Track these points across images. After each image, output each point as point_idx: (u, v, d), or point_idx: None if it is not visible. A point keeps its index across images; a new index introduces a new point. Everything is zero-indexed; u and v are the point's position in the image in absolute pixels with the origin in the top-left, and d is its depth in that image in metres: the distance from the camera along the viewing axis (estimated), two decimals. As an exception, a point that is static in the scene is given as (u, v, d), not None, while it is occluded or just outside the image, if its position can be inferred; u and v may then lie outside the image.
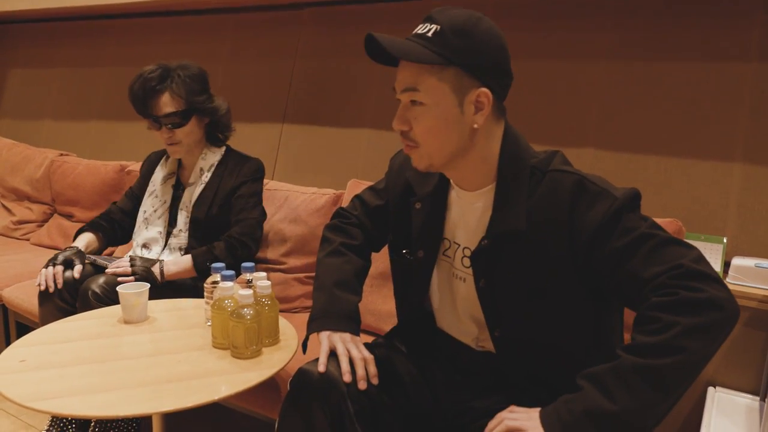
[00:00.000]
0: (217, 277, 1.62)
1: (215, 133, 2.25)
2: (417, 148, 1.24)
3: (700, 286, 1.04)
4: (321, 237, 1.60)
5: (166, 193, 2.24)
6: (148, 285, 1.71)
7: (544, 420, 1.09)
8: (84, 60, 3.79)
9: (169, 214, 2.22)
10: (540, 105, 2.28)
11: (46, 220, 3.28)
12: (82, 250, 2.13)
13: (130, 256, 2.07)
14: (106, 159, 3.29)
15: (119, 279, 1.92)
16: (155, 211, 2.22)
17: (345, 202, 2.33)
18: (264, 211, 2.28)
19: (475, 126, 1.20)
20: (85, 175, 3.06)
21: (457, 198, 1.35)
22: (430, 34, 1.18)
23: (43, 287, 1.98)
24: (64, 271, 2.00)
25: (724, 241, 1.90)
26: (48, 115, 3.90)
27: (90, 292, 1.89)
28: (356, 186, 2.33)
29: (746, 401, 1.74)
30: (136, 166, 2.88)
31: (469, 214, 1.33)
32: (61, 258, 2.03)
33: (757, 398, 1.75)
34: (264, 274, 1.64)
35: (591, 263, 1.17)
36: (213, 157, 2.23)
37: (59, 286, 1.98)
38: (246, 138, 2.35)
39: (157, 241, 2.19)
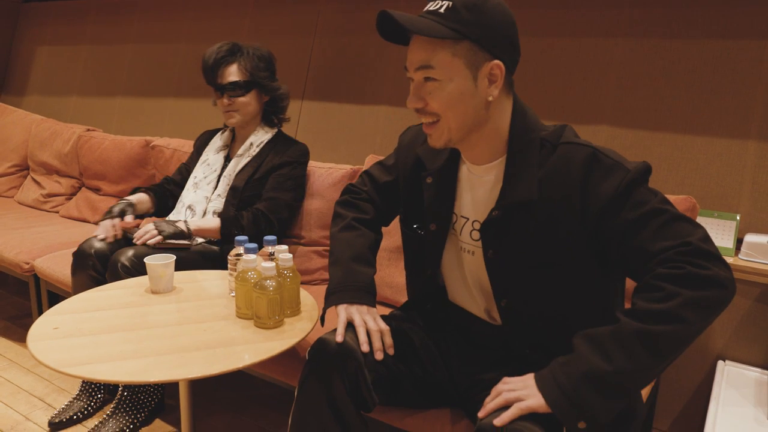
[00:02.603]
0: (240, 249, 1.67)
1: (272, 114, 2.41)
2: (436, 123, 1.26)
3: (706, 264, 1.08)
4: (333, 212, 1.64)
5: (217, 163, 2.37)
6: (174, 257, 1.77)
7: (541, 385, 1.13)
8: (109, 37, 3.83)
9: (216, 182, 2.34)
10: (556, 82, 2.29)
11: (74, 194, 3.36)
12: (134, 203, 2.26)
13: (152, 223, 2.14)
14: (131, 134, 3.35)
15: (149, 242, 2.04)
16: (205, 177, 2.34)
17: (363, 178, 2.37)
18: (300, 196, 2.38)
19: (490, 99, 1.23)
20: (112, 150, 3.12)
21: (466, 172, 1.38)
22: (442, 11, 1.20)
23: (101, 237, 2.13)
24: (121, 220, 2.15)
25: (737, 218, 1.91)
26: (75, 92, 3.96)
27: (119, 264, 1.96)
28: (374, 161, 2.35)
29: (755, 374, 1.77)
30: (160, 141, 2.94)
31: (478, 188, 1.35)
32: (117, 209, 2.18)
33: (766, 372, 1.78)
34: (285, 247, 1.68)
35: (601, 232, 1.19)
36: (264, 135, 2.36)
37: (119, 235, 2.14)
38: (267, 114, 2.40)
39: (201, 204, 2.30)
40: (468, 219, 1.38)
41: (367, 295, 1.45)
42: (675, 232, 1.12)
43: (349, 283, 1.46)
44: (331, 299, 1.45)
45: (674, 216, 1.14)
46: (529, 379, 1.16)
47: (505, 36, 1.22)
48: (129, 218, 2.18)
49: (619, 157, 1.21)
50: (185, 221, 2.13)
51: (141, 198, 2.34)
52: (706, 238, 1.12)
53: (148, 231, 2.07)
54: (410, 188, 1.48)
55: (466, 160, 1.37)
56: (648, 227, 1.14)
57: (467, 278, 1.42)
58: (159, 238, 2.06)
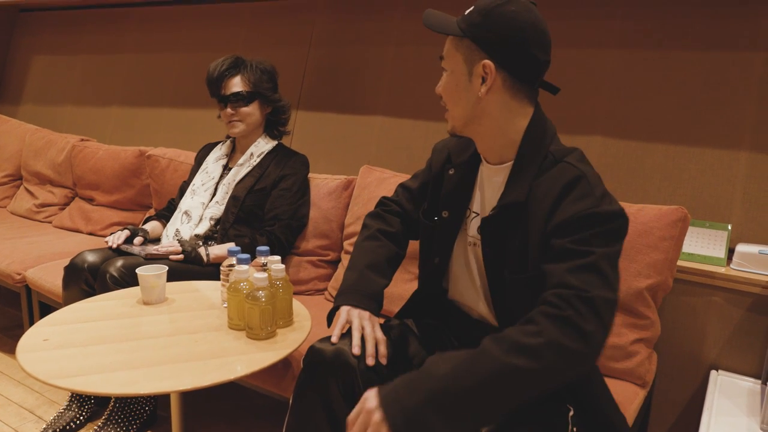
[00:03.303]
0: (232, 260, 1.67)
1: (273, 126, 2.46)
2: (447, 111, 1.38)
3: (591, 320, 1.08)
4: (362, 224, 1.67)
5: (216, 171, 2.41)
6: (166, 267, 1.77)
7: (384, 404, 1.10)
8: (105, 47, 3.83)
9: (214, 190, 2.38)
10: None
11: (67, 204, 3.35)
12: (147, 231, 2.36)
13: (177, 240, 2.24)
14: (126, 144, 3.35)
15: (171, 258, 2.09)
16: (203, 184, 2.39)
17: (357, 188, 2.38)
18: (307, 212, 2.41)
19: (479, 95, 1.29)
20: (106, 160, 3.12)
21: (482, 170, 1.43)
22: (466, 13, 1.31)
23: (110, 244, 2.21)
24: (127, 240, 2.23)
25: (729, 228, 1.92)
26: (70, 101, 3.96)
27: (108, 275, 1.95)
28: (368, 172, 2.37)
29: (748, 384, 1.77)
30: (155, 151, 2.94)
31: (488, 186, 1.41)
32: (131, 228, 2.30)
33: (759, 381, 1.78)
34: (278, 257, 1.68)
35: (546, 244, 1.23)
36: (265, 146, 2.40)
37: (120, 242, 2.20)
38: (261, 124, 2.41)
39: (197, 210, 2.33)
40: (477, 215, 1.43)
41: (372, 302, 1.47)
42: (589, 280, 1.11)
43: (359, 287, 1.49)
44: (339, 300, 1.48)
45: (601, 271, 1.13)
46: (371, 402, 1.12)
47: (506, 40, 1.26)
48: (137, 240, 2.25)
49: (602, 193, 1.22)
50: (208, 254, 2.16)
51: (154, 226, 2.42)
52: (611, 305, 1.12)
53: (173, 246, 2.14)
54: (437, 182, 1.53)
55: (483, 160, 1.43)
56: (571, 261, 1.15)
57: (473, 270, 1.45)
58: (180, 257, 2.11)
